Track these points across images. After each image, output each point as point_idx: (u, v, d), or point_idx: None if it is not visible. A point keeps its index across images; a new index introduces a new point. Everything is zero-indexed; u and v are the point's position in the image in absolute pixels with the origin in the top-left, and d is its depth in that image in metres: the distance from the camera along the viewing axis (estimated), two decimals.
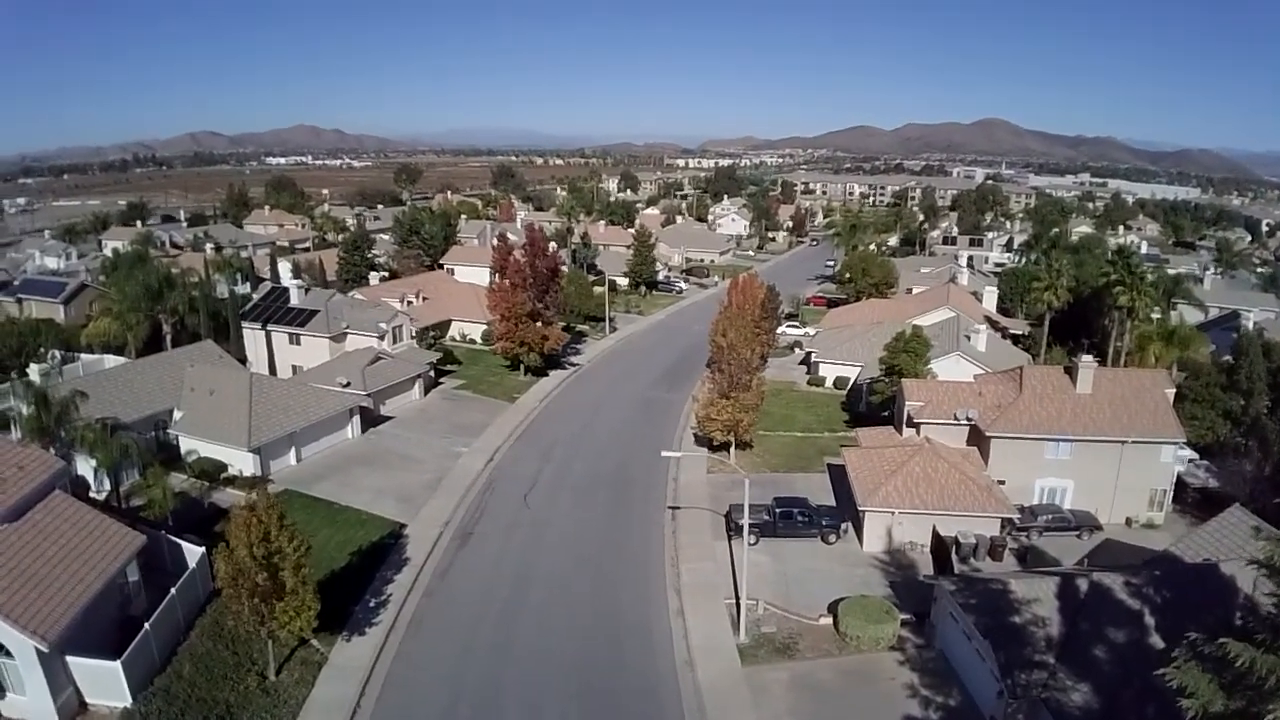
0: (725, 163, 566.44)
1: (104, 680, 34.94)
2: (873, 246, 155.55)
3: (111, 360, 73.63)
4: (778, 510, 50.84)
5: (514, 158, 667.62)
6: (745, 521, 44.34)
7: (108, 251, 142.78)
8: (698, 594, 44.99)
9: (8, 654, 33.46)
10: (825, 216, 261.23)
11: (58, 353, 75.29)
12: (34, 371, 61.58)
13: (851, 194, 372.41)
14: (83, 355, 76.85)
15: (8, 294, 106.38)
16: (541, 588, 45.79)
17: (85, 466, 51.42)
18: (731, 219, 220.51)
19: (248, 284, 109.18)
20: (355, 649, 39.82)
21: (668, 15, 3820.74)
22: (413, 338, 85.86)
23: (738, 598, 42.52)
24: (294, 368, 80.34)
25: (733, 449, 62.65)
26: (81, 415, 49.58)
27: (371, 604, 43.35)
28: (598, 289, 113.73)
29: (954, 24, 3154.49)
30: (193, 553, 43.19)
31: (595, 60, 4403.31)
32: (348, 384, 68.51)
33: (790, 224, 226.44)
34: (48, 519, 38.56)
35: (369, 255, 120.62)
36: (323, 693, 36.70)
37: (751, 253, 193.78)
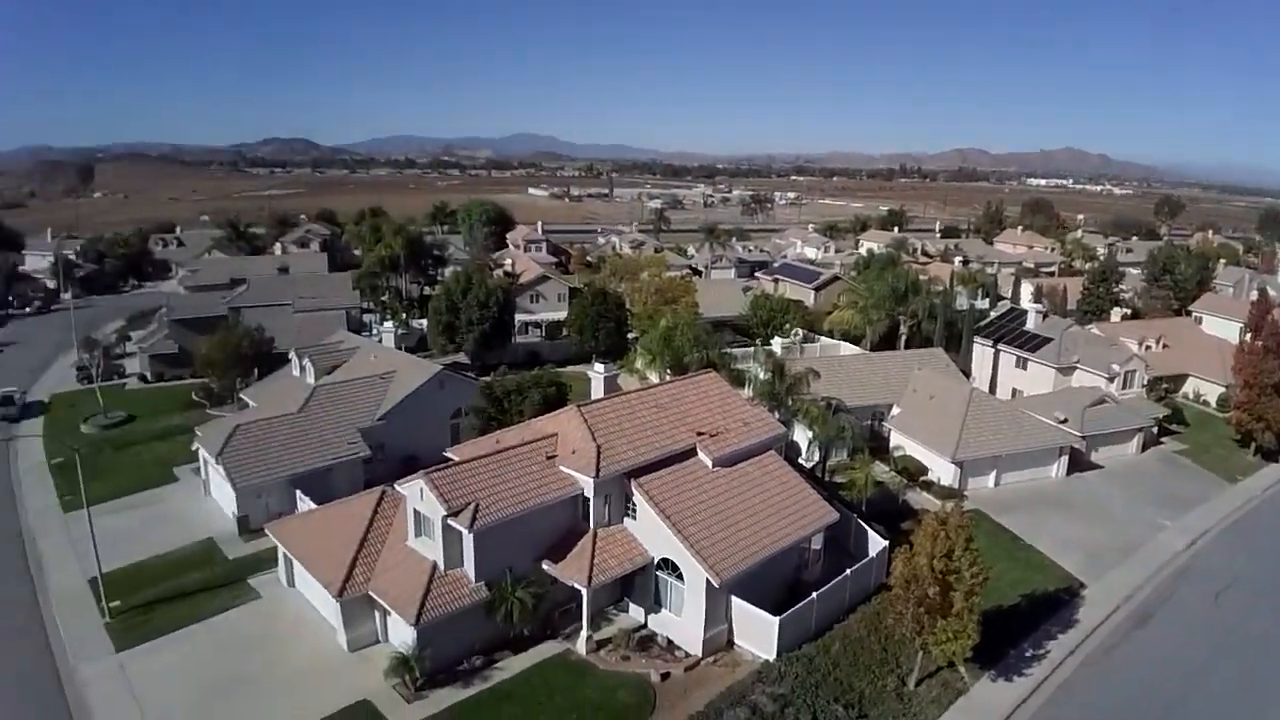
0: None
1: (758, 629, 38.87)
2: None
3: (847, 348, 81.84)
4: None
5: None
6: None
7: (863, 250, 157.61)
8: None
9: (680, 577, 39.13)
10: None
11: (800, 331, 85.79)
12: (776, 344, 71.08)
13: None
14: (822, 339, 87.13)
15: (768, 273, 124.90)
16: (1210, 701, 38.98)
17: (801, 435, 57.81)
18: None
19: (986, 301, 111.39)
20: (998, 692, 38.46)
21: None
22: (1143, 386, 78.15)
23: None
24: (1014, 391, 79.56)
25: None
26: (810, 391, 55.59)
27: (1028, 653, 41.38)
28: None
29: None
30: (875, 543, 46.02)
31: None
32: (1064, 420, 65.41)
33: None
34: (758, 473, 44.60)
35: (1115, 289, 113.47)
36: None
37: None
